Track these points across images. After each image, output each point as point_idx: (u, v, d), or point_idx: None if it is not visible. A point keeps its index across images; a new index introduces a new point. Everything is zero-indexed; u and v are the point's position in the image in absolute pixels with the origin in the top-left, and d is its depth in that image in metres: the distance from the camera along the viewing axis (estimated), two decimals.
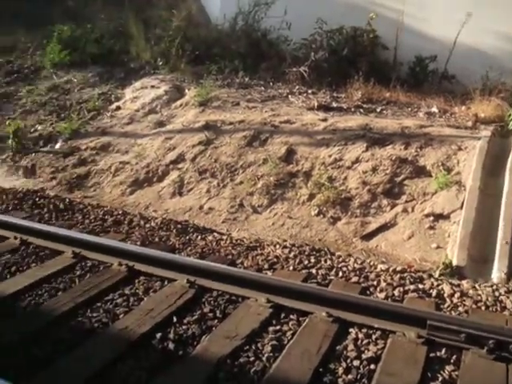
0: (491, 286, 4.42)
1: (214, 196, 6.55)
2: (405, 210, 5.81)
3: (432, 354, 3.36)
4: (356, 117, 7.57)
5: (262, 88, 8.94)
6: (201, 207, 6.43)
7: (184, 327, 3.63)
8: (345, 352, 3.40)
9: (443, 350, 3.40)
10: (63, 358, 3.29)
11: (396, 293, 4.23)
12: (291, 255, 4.90)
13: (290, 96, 8.62)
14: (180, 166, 7.05)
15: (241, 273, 4.21)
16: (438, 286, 4.41)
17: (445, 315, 3.80)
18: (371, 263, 4.86)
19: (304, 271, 4.57)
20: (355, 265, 4.77)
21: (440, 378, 3.17)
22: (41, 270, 4.47)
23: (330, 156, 6.62)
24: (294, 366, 3.19)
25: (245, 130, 7.32)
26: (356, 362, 3.28)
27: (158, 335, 3.52)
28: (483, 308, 4.07)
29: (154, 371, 3.17)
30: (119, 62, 9.97)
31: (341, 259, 4.91)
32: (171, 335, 3.53)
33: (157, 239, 5.28)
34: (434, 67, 8.91)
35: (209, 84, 8.65)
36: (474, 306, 4.06)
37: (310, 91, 8.77)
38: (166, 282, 4.26)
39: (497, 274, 4.66)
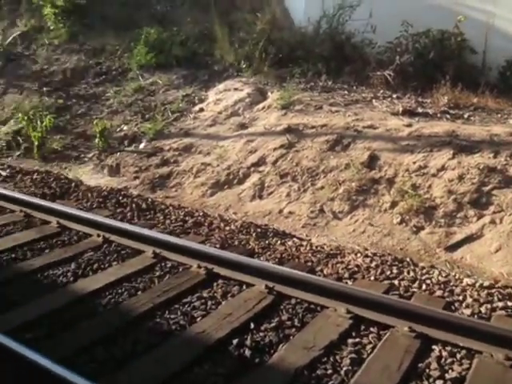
0: None
1: (294, 200, 6.48)
2: (492, 222, 5.54)
3: None
4: (442, 123, 7.31)
5: (346, 92, 8.79)
6: (280, 211, 6.38)
7: (261, 334, 3.59)
8: (427, 370, 3.26)
9: None
10: (141, 358, 3.31)
11: (483, 310, 4.03)
12: (373, 265, 4.77)
13: (373, 100, 8.44)
14: (261, 168, 7.03)
15: (320, 281, 4.12)
16: None
17: None
18: (456, 276, 4.66)
19: (386, 282, 4.43)
20: (439, 277, 4.58)
21: None
22: (122, 269, 4.56)
23: (414, 163, 6.41)
24: (373, 382, 3.08)
25: (327, 134, 7.22)
26: (439, 383, 3.13)
27: (235, 341, 3.50)
28: None
29: (230, 378, 3.15)
30: (203, 64, 10.06)
31: (424, 271, 4.73)
32: (248, 342, 3.50)
33: (236, 242, 5.27)
34: None
35: (291, 87, 8.60)
36: None
37: (394, 96, 8.55)
38: (244, 287, 4.24)
39: None
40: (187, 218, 5.92)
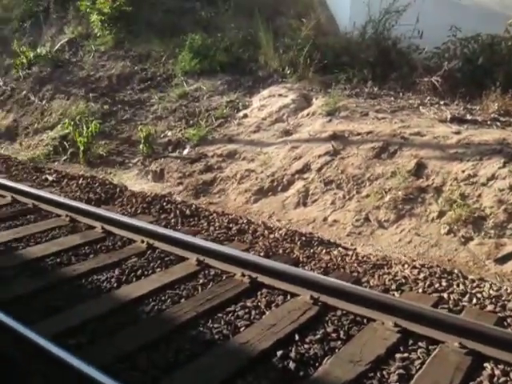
0: None
1: (338, 208, 6.39)
2: None
3: None
4: (492, 130, 7.10)
5: (392, 98, 8.64)
6: (325, 219, 6.29)
7: (306, 346, 3.52)
8: None
9: None
10: (184, 368, 3.27)
11: None
12: (421, 276, 4.63)
13: (420, 107, 8.26)
14: (305, 176, 6.95)
15: (367, 292, 4.03)
16: None
17: None
18: (508, 290, 4.49)
19: (434, 295, 4.30)
20: (491, 291, 4.42)
21: None
22: (165, 276, 4.54)
23: (463, 171, 6.23)
24: None
25: (373, 142, 7.10)
26: None
27: (279, 353, 3.43)
28: None
29: None
30: (247, 70, 10.03)
31: (474, 284, 4.58)
32: (292, 354, 3.43)
33: (280, 251, 5.19)
34: None
35: (337, 93, 8.50)
36: None
37: (442, 102, 8.36)
38: (288, 297, 4.17)
39: None
40: (231, 225, 5.88)
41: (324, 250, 5.27)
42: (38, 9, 13.20)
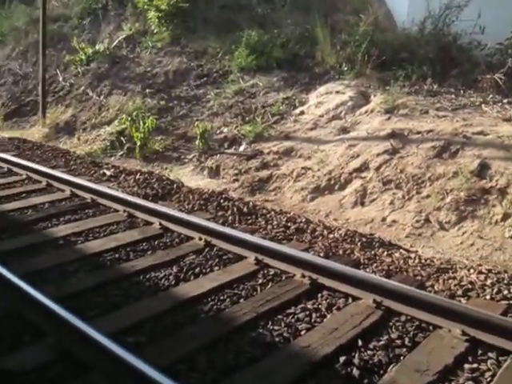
0: None
1: (397, 208, 6.24)
2: None
3: None
4: None
5: (452, 96, 8.40)
6: (383, 219, 6.15)
7: (370, 352, 3.40)
8: None
9: None
10: (244, 371, 3.22)
11: None
12: (488, 282, 4.44)
13: (482, 105, 8.00)
14: (363, 174, 6.82)
15: (432, 298, 3.87)
16: None
17: None
18: None
19: (503, 302, 4.11)
20: None
21: None
22: (223, 275, 4.49)
23: None
24: None
25: (433, 141, 6.90)
26: None
27: (342, 358, 3.33)
28: None
29: None
30: (304, 66, 9.93)
31: None
32: (356, 360, 3.31)
33: (340, 252, 5.07)
34: None
35: (395, 90, 8.31)
36: None
37: (505, 100, 8.08)
38: (350, 300, 4.05)
39: None
40: (289, 224, 5.78)
41: (385, 252, 5.12)
42: (96, 6, 13.38)
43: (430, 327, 3.69)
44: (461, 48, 9.39)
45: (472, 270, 4.70)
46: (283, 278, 4.43)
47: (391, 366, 3.26)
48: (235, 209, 6.21)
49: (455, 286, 4.37)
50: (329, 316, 3.85)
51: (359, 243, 5.30)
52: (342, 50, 9.72)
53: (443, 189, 6.21)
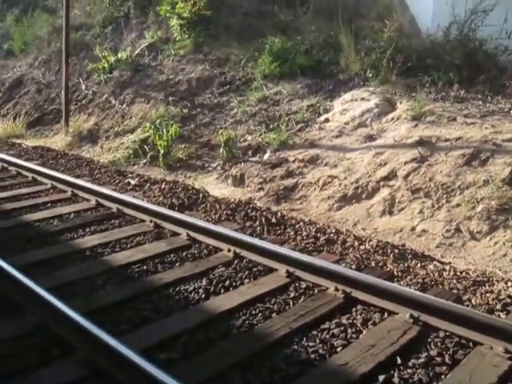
0: None
1: (427, 217, 6.12)
2: None
3: None
4: None
5: (480, 102, 8.26)
6: (413, 229, 6.04)
7: (409, 371, 3.29)
8: None
9: None
10: None
11: None
12: None
13: (511, 111, 7.87)
14: (391, 183, 6.71)
15: (471, 313, 3.76)
16: None
17: None
18: None
19: None
20: None
21: None
22: (254, 288, 4.40)
23: None
24: None
25: (462, 148, 6.78)
26: None
27: (381, 377, 3.22)
28: None
29: None
30: (328, 73, 9.84)
31: None
32: (396, 379, 3.21)
33: (373, 264, 4.96)
34: None
35: (422, 97, 8.20)
36: None
37: None
38: (386, 315, 3.95)
39: None
40: (319, 235, 5.67)
41: (419, 264, 5.01)
42: (118, 14, 13.41)
43: (470, 344, 3.57)
44: (487, 54, 9.30)
45: (510, 283, 4.57)
46: (316, 291, 4.33)
47: None
48: (263, 219, 6.12)
49: (493, 299, 4.24)
50: (365, 332, 3.74)
51: (391, 255, 5.18)
52: (367, 56, 9.62)
53: (474, 197, 6.09)
